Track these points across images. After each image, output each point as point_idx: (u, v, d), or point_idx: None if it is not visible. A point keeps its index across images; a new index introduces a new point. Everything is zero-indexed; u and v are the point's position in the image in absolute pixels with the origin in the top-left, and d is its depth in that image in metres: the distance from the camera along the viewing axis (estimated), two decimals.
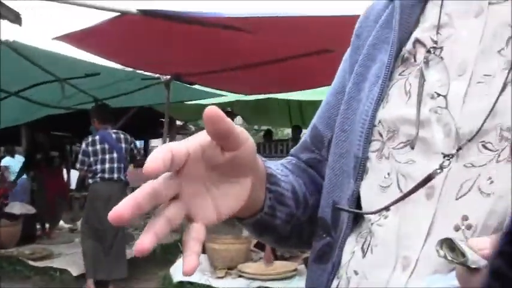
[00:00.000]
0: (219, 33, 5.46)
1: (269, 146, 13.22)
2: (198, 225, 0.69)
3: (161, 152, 0.63)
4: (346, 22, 1.09)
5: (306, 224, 0.98)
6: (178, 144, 0.67)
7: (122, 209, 0.63)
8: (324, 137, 1.03)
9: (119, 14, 5.03)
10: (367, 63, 0.96)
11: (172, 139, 13.40)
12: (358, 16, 1.09)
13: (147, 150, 20.06)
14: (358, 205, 0.90)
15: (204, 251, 6.78)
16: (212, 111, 0.63)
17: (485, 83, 0.78)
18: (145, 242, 0.63)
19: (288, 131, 18.56)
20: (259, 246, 6.46)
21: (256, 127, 19.04)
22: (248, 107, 12.85)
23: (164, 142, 8.52)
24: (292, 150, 1.09)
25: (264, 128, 17.42)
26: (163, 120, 9.10)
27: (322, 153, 1.03)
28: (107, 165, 6.53)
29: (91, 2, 5.02)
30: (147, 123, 13.10)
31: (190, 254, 0.66)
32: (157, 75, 7.88)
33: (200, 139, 0.69)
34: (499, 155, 0.74)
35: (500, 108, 0.74)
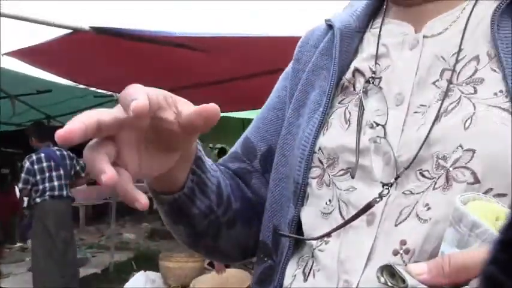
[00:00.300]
0: (172, 52, 5.45)
1: None
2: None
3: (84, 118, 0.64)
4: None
5: (224, 227, 0.97)
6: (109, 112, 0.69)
7: (73, 128, 0.62)
8: (256, 149, 1.04)
9: (72, 31, 4.99)
10: (307, 89, 0.98)
11: None
12: None
13: None
14: (300, 229, 0.91)
15: (158, 269, 6.78)
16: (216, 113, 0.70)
17: (421, 113, 0.81)
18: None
19: None
20: (213, 264, 6.45)
21: (210, 145, 19.04)
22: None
23: None
24: (220, 160, 1.09)
25: (219, 146, 17.43)
26: None
27: (253, 164, 1.04)
28: (56, 183, 6.41)
29: (43, 18, 4.96)
30: None
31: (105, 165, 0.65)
32: (110, 93, 7.81)
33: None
34: (435, 183, 0.76)
35: (437, 137, 0.76)
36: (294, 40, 1.10)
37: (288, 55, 1.10)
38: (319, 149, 0.88)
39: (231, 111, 9.94)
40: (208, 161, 0.93)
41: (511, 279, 0.36)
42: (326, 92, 0.92)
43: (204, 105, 0.70)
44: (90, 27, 4.90)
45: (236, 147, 1.08)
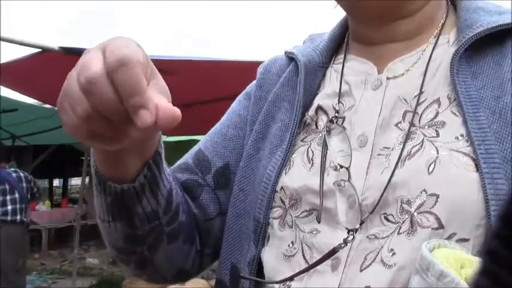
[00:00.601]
0: None
1: None
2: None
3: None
4: None
5: (165, 238, 0.91)
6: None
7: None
8: (211, 164, 1.01)
9: (40, 50, 4.95)
10: (267, 121, 0.97)
11: (92, 178, 13.17)
12: None
13: (66, 189, 19.60)
14: (260, 269, 0.89)
15: None
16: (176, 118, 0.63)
17: (384, 155, 0.81)
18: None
19: None
20: None
21: None
22: (169, 147, 12.80)
23: (83, 181, 8.36)
24: (168, 171, 0.99)
25: None
26: (83, 158, 8.95)
27: (206, 178, 1.00)
28: (9, 207, 6.17)
29: (12, 36, 4.92)
30: (67, 161, 12.85)
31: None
32: None
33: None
34: (400, 227, 0.76)
35: (401, 182, 0.77)
36: (259, 65, 1.11)
37: (253, 80, 1.10)
38: (282, 188, 0.87)
39: (198, 135, 9.94)
40: (166, 167, 0.90)
41: None
42: (289, 128, 0.91)
43: (167, 107, 0.63)
44: (59, 47, 4.87)
45: (187, 158, 1.04)
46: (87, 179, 8.26)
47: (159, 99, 0.63)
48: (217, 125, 1.07)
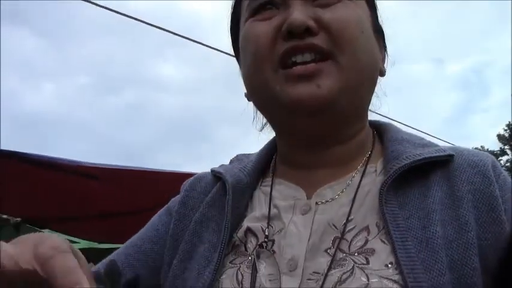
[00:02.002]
0: (74, 180, 5.39)
1: None
2: None
3: None
4: None
5: None
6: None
7: None
8: (122, 275, 0.91)
9: None
10: (194, 240, 0.95)
11: None
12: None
13: None
14: None
15: None
16: None
17: (314, 280, 0.81)
18: None
19: None
20: None
21: None
22: (101, 255, 12.41)
23: None
24: None
25: None
26: None
27: None
28: None
29: None
30: None
31: None
32: (5, 216, 7.53)
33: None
34: None
35: None
36: (191, 176, 1.12)
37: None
38: None
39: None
40: None
41: None
42: (218, 249, 0.90)
43: None
44: None
45: (98, 268, 0.98)
46: None
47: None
48: (134, 237, 1.06)
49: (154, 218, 1.08)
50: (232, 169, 1.01)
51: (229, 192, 0.94)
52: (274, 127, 1.02)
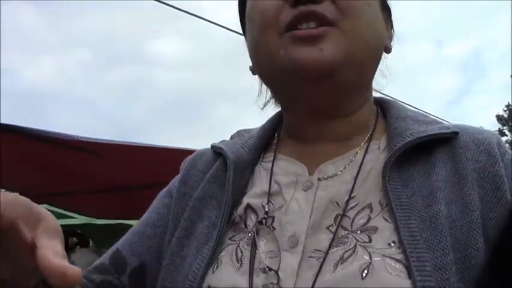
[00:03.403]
0: (72, 155, 5.39)
1: None
2: None
3: None
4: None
5: None
6: None
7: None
8: (127, 263, 0.98)
9: None
10: (193, 217, 0.95)
11: None
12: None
13: None
14: None
15: None
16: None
17: (316, 258, 0.80)
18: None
19: None
20: None
21: (105, 250, 18.58)
22: (98, 230, 12.51)
23: None
24: (84, 272, 0.96)
25: None
26: None
27: (121, 278, 0.97)
28: None
29: None
30: None
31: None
32: (2, 191, 7.52)
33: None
34: None
35: (334, 286, 0.76)
36: (191, 153, 1.11)
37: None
38: (209, 287, 0.85)
39: (127, 219, 9.76)
40: None
41: None
42: (217, 226, 0.90)
43: (69, 267, 0.56)
44: None
45: (104, 258, 1.01)
46: None
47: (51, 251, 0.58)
48: (137, 224, 1.05)
49: (156, 201, 1.07)
50: (233, 145, 1.01)
51: (230, 168, 0.94)
52: (278, 97, 1.02)
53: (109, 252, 1.02)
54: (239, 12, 1.05)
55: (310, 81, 0.89)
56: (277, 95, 1.01)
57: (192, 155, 1.10)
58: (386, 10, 1.00)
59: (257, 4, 0.93)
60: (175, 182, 1.06)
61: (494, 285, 0.38)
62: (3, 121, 4.87)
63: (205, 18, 5.55)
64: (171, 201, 1.02)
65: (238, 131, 1.10)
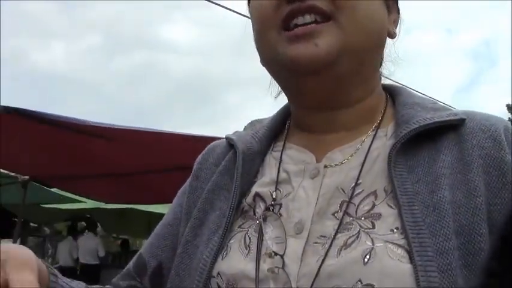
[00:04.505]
0: (83, 139, 5.40)
1: (125, 256, 12.94)
2: None
3: None
4: (206, 141, 1.14)
5: None
6: None
7: None
8: (147, 266, 1.03)
9: None
10: (206, 207, 0.98)
11: (24, 241, 12.77)
12: (217, 138, 1.12)
13: None
14: None
15: None
16: None
17: (321, 244, 0.82)
18: None
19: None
20: None
21: (114, 235, 18.63)
22: (107, 215, 12.60)
23: (15, 242, 8.10)
24: (114, 279, 1.08)
25: (122, 237, 17.07)
26: (16, 220, 8.68)
27: (143, 281, 1.03)
28: None
29: None
30: None
31: None
32: (13, 174, 7.57)
33: None
34: None
35: (337, 271, 0.78)
36: (204, 140, 1.13)
37: (197, 154, 1.12)
38: (218, 274, 0.87)
39: (137, 203, 9.80)
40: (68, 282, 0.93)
41: None
42: (226, 214, 0.92)
43: None
44: (1, 106, 4.80)
45: (130, 264, 1.08)
46: (18, 242, 8.00)
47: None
48: (158, 226, 1.11)
49: (173, 201, 1.11)
50: (245, 136, 1.03)
51: (239, 159, 0.96)
52: (283, 90, 1.03)
53: (134, 257, 1.08)
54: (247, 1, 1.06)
55: (309, 75, 0.90)
56: (283, 88, 1.02)
57: (205, 149, 1.12)
58: None
59: (257, 1, 0.95)
60: (189, 178, 1.09)
61: (501, 271, 0.38)
62: (13, 104, 4.88)
63: (216, 2, 5.52)
64: (184, 198, 1.06)
65: (251, 121, 1.12)
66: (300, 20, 0.88)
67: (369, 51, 0.93)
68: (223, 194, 0.98)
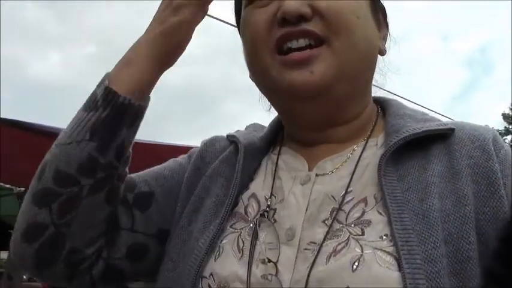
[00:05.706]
0: None
1: None
2: None
3: None
4: None
5: (101, 186, 0.93)
6: None
7: None
8: (136, 186, 1.04)
9: None
10: (202, 194, 0.99)
11: None
12: None
13: None
14: None
15: None
16: None
17: (311, 250, 0.83)
18: None
19: None
20: None
21: None
22: None
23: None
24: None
25: None
26: (12, 232, 8.62)
27: (126, 195, 1.02)
28: None
29: None
30: None
31: None
32: (9, 186, 7.55)
33: None
34: None
35: (326, 278, 0.78)
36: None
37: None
38: (211, 274, 0.87)
39: None
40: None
41: None
42: (225, 204, 0.93)
43: None
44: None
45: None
46: None
47: None
48: (157, 167, 1.10)
49: (175, 159, 1.12)
50: (246, 134, 1.05)
51: (241, 151, 0.98)
52: (275, 109, 1.04)
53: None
54: (236, 19, 1.07)
55: (303, 100, 0.92)
56: (275, 107, 1.03)
57: (209, 138, 1.13)
58: (378, 10, 1.01)
59: (247, 21, 0.96)
60: (194, 151, 1.10)
61: (503, 273, 0.39)
62: (8, 115, 4.87)
63: (212, 15, 5.53)
64: (188, 164, 1.07)
65: (254, 124, 1.14)
66: (294, 44, 0.89)
67: (362, 73, 0.95)
68: (219, 180, 0.99)
